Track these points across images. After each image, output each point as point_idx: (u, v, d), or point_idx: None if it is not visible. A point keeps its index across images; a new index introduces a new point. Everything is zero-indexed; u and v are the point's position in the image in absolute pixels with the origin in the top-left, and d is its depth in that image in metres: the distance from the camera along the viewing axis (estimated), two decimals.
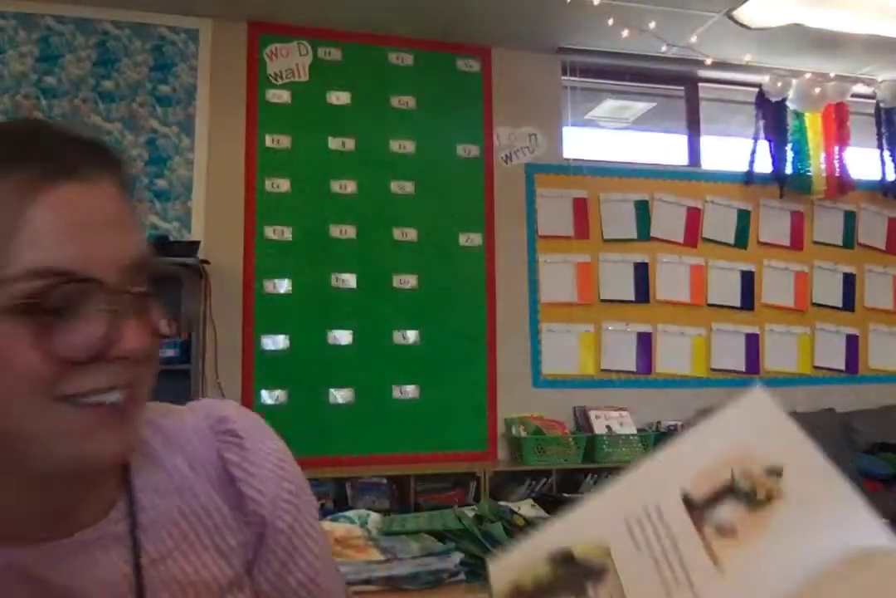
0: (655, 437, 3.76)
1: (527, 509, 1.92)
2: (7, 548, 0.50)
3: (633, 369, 4.06)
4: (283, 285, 3.62)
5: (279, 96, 3.75)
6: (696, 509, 0.48)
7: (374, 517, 1.78)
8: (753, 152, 4.29)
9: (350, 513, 1.80)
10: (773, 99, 4.23)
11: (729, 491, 0.48)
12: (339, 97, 3.83)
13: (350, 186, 3.76)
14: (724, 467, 0.49)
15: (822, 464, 0.48)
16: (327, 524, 1.64)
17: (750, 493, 0.48)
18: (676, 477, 0.50)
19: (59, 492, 0.52)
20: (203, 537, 0.58)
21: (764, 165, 4.29)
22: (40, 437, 0.47)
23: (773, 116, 4.26)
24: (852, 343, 4.41)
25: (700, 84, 4.44)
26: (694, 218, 4.24)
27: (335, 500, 3.35)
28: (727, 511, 0.47)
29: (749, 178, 4.28)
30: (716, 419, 0.52)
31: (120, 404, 0.49)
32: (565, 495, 2.22)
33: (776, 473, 0.48)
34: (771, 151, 4.28)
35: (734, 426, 0.52)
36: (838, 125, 4.32)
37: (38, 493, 0.51)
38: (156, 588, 0.54)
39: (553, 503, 1.99)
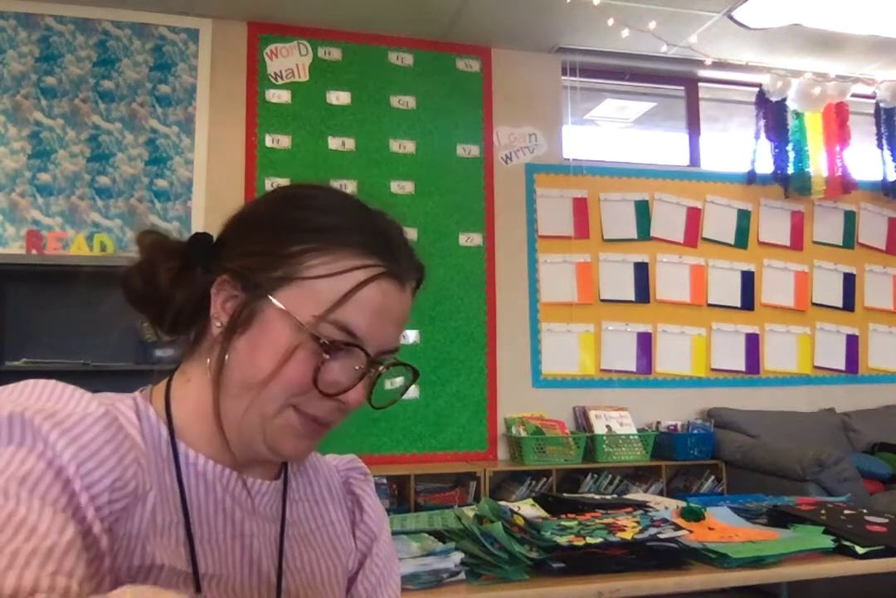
0: (655, 437, 3.77)
1: (527, 509, 1.92)
2: (223, 466, 0.69)
3: (633, 369, 4.06)
4: None
5: (279, 96, 3.75)
6: None
7: None
8: (754, 152, 4.29)
9: None
10: (773, 99, 4.23)
11: None
12: (339, 97, 3.83)
13: (350, 186, 3.75)
14: None
15: None
16: None
17: None
18: None
19: (251, 450, 0.70)
20: (323, 534, 0.77)
21: (764, 165, 4.29)
22: (264, 421, 0.67)
23: (774, 116, 4.27)
24: (852, 343, 4.41)
25: (700, 84, 4.44)
26: (694, 218, 4.24)
27: None
28: None
29: (750, 178, 4.28)
30: None
31: (324, 428, 0.70)
32: (565, 495, 2.22)
33: None
34: (771, 151, 4.28)
35: None
36: (838, 125, 4.32)
37: (245, 444, 0.69)
38: (291, 547, 0.73)
39: (553, 503, 1.99)
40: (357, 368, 0.67)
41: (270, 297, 0.66)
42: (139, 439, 0.64)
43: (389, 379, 0.73)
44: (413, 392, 3.72)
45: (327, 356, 0.65)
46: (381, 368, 0.70)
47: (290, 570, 0.72)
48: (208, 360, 0.69)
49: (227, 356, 0.67)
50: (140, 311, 0.72)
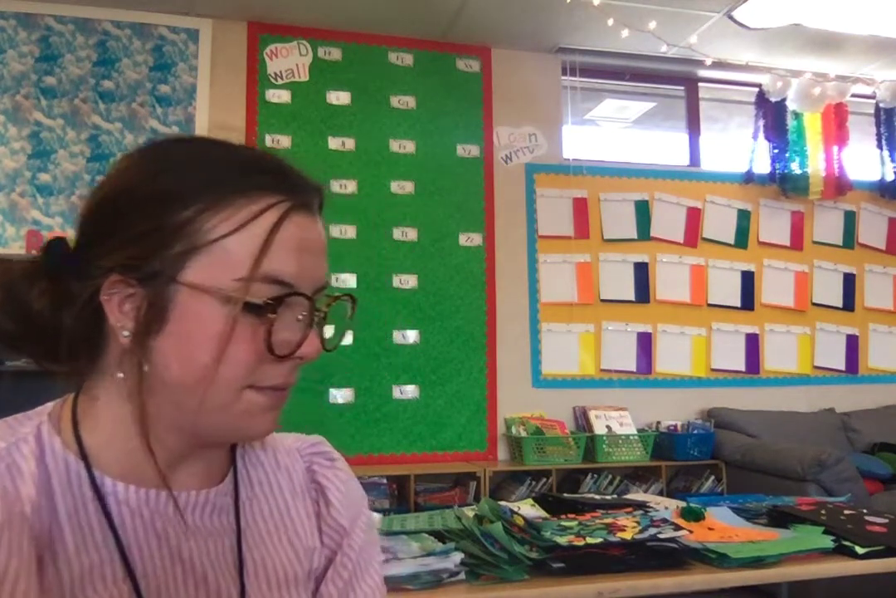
0: (655, 437, 3.77)
1: (527, 509, 1.92)
2: (146, 489, 0.62)
3: (633, 369, 4.06)
4: None
5: (279, 96, 3.75)
6: None
7: (374, 516, 1.78)
8: (752, 152, 4.29)
9: None
10: (773, 99, 4.23)
11: None
12: (339, 97, 3.83)
13: (350, 186, 3.75)
14: None
15: None
16: None
17: None
18: None
19: (183, 448, 0.63)
20: (281, 532, 0.69)
21: (763, 165, 4.29)
22: (222, 412, 0.60)
23: (773, 116, 4.26)
24: (852, 343, 4.41)
25: (700, 84, 4.44)
26: (694, 218, 4.24)
27: None
28: None
29: (747, 178, 4.28)
30: None
31: (286, 393, 0.64)
32: (565, 495, 2.22)
33: None
34: (770, 152, 4.28)
35: None
36: (838, 125, 4.32)
37: (179, 445, 0.63)
38: (248, 561, 0.65)
39: (553, 503, 1.99)
40: (300, 317, 0.61)
41: (178, 279, 0.57)
42: (30, 487, 0.58)
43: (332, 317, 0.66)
44: (413, 392, 3.72)
45: (273, 316, 0.58)
46: (323, 308, 0.63)
47: (249, 574, 0.65)
48: (119, 374, 0.60)
49: (146, 364, 0.58)
50: (23, 351, 0.63)
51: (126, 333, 0.58)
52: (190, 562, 0.62)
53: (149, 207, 0.58)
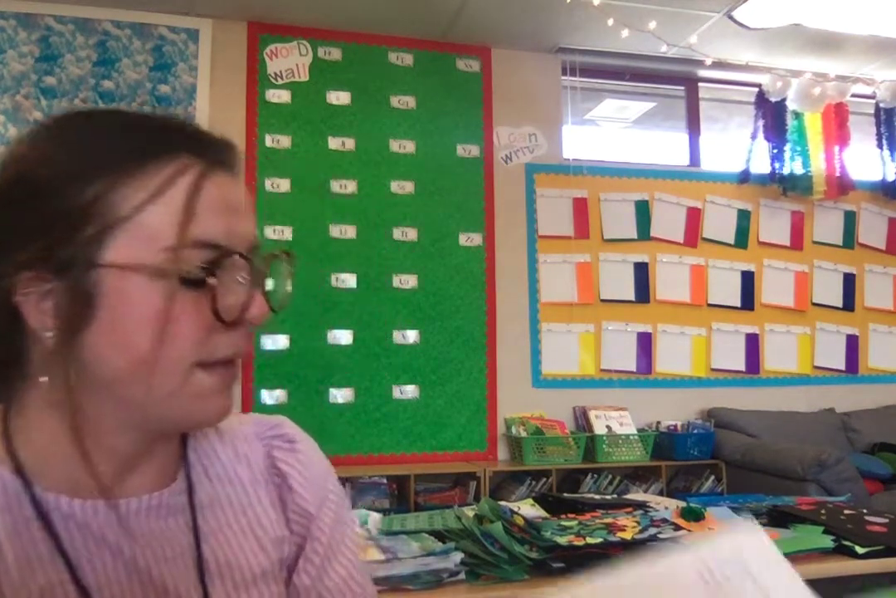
0: (655, 437, 3.77)
1: (527, 509, 1.92)
2: (92, 501, 0.57)
3: (633, 369, 4.06)
4: None
5: (279, 96, 3.75)
6: None
7: (374, 516, 1.78)
8: (749, 152, 4.29)
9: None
10: (773, 99, 4.23)
11: None
12: (339, 97, 3.83)
13: (350, 186, 3.75)
14: None
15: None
16: None
17: None
18: None
19: (135, 449, 0.59)
20: (244, 526, 0.65)
21: (763, 165, 4.29)
22: (171, 399, 0.56)
23: (773, 116, 4.26)
24: (852, 343, 4.41)
25: (700, 84, 4.44)
26: (694, 218, 4.24)
27: None
28: None
29: (743, 177, 4.27)
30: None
31: (236, 368, 0.59)
32: (565, 495, 2.22)
33: None
34: (770, 152, 4.28)
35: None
36: (838, 125, 4.32)
37: (131, 446, 0.59)
38: (209, 562, 0.61)
39: (553, 503, 1.99)
40: (241, 279, 0.57)
41: (98, 261, 0.53)
42: None
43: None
44: (413, 392, 3.72)
45: (215, 281, 0.54)
46: (261, 267, 0.60)
47: (211, 575, 0.62)
48: (43, 378, 0.55)
49: (78, 363, 0.54)
50: None
51: (49, 333, 0.53)
52: (147, 572, 0.58)
53: (49, 190, 0.53)
